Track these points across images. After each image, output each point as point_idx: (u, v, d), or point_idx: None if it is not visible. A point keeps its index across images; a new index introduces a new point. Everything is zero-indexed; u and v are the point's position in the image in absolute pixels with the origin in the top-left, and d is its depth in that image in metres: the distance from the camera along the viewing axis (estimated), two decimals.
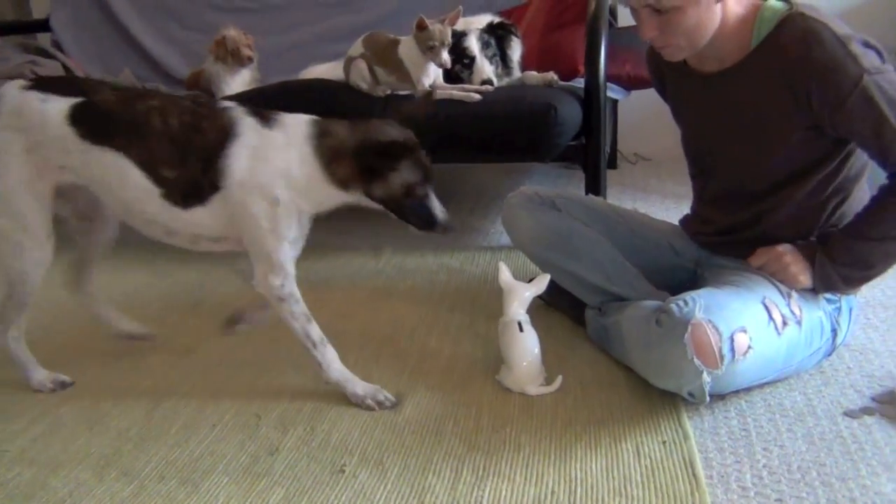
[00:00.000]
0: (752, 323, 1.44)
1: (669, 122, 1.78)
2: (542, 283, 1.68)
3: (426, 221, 1.50)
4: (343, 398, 1.59)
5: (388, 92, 2.43)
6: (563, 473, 1.34)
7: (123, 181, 1.47)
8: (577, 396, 1.59)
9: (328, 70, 2.64)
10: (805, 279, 1.54)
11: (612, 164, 3.53)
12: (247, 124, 1.46)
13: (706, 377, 1.40)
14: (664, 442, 1.41)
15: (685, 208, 1.90)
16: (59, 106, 1.48)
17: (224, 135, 1.45)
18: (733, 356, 1.41)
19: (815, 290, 1.55)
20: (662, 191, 3.18)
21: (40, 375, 1.69)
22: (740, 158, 1.59)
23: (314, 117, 1.49)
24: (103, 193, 1.53)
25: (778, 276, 1.55)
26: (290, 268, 1.49)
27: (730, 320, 1.42)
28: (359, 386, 1.56)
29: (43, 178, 1.51)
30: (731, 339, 1.40)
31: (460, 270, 2.35)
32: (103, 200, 1.56)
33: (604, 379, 1.66)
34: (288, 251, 1.48)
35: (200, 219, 1.47)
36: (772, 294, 1.51)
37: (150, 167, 1.46)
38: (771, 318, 1.47)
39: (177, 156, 1.45)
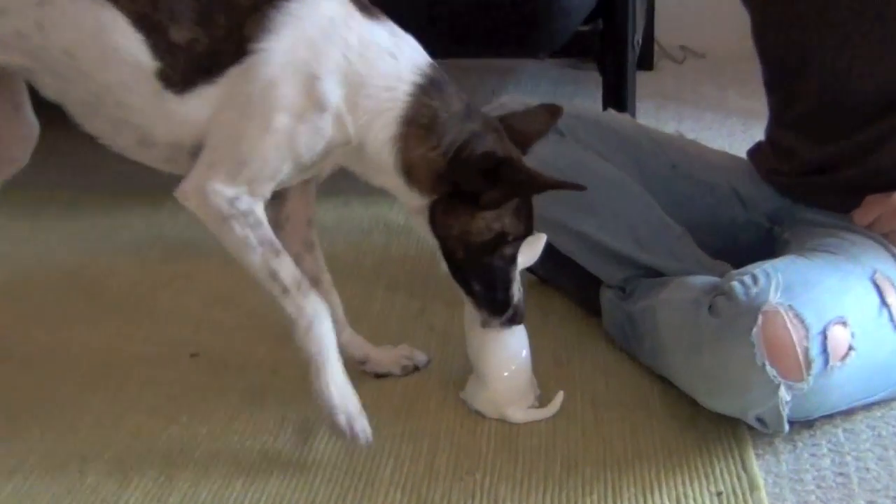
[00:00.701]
0: (855, 310, 1.46)
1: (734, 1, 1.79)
2: (534, 248, 1.67)
3: (495, 299, 1.52)
4: (236, 424, 1.58)
5: None
6: None
7: (104, 52, 1.43)
8: (586, 424, 1.60)
9: None
10: None
11: (647, 62, 3.54)
12: None
13: (784, 394, 1.42)
14: (720, 494, 1.43)
15: (758, 133, 1.91)
16: None
17: None
18: (826, 362, 1.42)
19: None
20: (724, 105, 3.20)
21: None
22: (844, 57, 1.59)
23: (434, 62, 1.48)
24: (63, 75, 1.48)
25: None
26: (262, 191, 1.45)
27: (822, 307, 1.44)
28: (341, 386, 1.49)
29: None
30: (824, 336, 1.42)
31: (406, 229, 2.34)
32: (57, 89, 1.51)
33: (628, 396, 1.67)
34: (279, 173, 1.45)
35: (196, 110, 1.44)
36: (886, 266, 1.54)
37: (151, 26, 1.42)
38: (884, 302, 1.49)
39: (198, 7, 1.42)
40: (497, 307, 1.54)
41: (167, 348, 1.85)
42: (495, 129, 1.48)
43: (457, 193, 1.46)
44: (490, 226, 1.48)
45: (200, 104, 1.44)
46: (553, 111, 1.55)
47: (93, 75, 1.46)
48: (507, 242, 1.49)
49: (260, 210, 1.45)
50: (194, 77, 1.43)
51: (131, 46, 1.43)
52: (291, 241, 1.66)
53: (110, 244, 2.33)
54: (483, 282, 1.52)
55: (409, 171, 1.46)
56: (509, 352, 1.61)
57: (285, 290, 1.46)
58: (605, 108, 2.54)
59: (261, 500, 1.44)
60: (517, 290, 1.54)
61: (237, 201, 1.43)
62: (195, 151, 1.47)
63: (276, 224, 1.65)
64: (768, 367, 1.40)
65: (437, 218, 1.49)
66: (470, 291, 1.54)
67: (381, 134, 1.45)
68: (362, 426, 1.48)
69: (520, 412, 1.60)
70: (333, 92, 1.41)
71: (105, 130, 1.52)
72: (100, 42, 1.44)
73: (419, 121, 1.44)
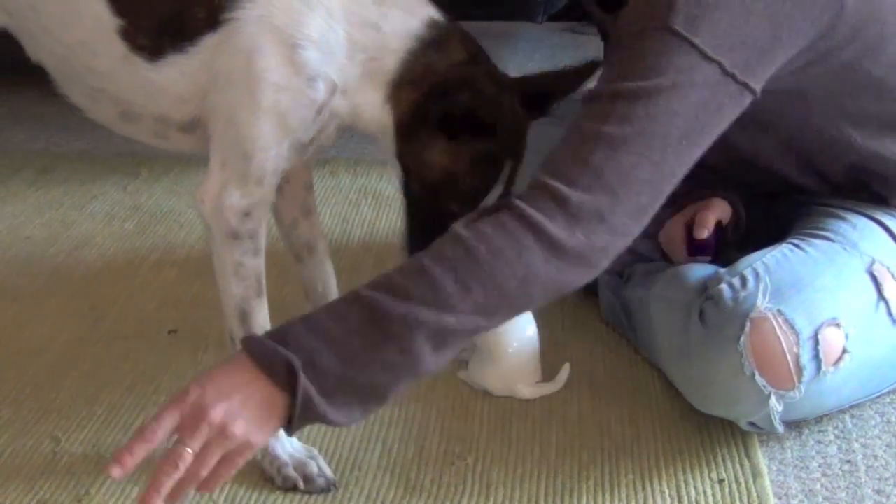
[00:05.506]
0: (850, 309, 1.46)
1: None
2: None
3: (416, 246, 1.44)
4: None
5: None
6: None
7: (59, 4, 1.43)
8: (583, 408, 1.61)
9: None
10: None
11: None
12: None
13: (775, 403, 1.43)
14: (722, 481, 1.44)
15: None
16: None
17: None
18: (819, 367, 1.43)
19: None
20: None
21: None
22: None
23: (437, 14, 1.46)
24: (33, 34, 1.48)
25: None
26: (271, 190, 1.45)
27: (814, 308, 1.44)
28: (283, 442, 1.48)
29: None
30: (815, 340, 1.42)
31: (395, 201, 2.33)
32: (34, 50, 1.51)
33: (627, 380, 1.68)
34: (281, 160, 1.43)
35: (173, 81, 1.43)
36: (886, 253, 1.53)
37: None
38: (881, 296, 1.49)
39: None
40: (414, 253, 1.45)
41: (144, 324, 1.86)
42: (497, 81, 1.44)
43: (423, 119, 1.41)
44: (442, 162, 1.43)
45: (177, 76, 1.42)
46: (581, 71, 1.46)
47: (57, 34, 1.46)
48: (456, 195, 1.44)
49: (263, 233, 1.44)
50: (161, 43, 1.42)
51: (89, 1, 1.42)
52: (290, 206, 1.65)
53: (84, 213, 2.32)
54: (418, 221, 1.47)
55: (400, 122, 1.43)
56: (515, 326, 1.61)
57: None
58: None
59: (242, 485, 1.44)
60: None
61: (247, 218, 1.42)
62: (186, 128, 1.47)
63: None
64: (757, 377, 1.41)
65: (399, 143, 1.44)
66: (406, 225, 1.49)
67: (372, 99, 1.43)
68: (317, 470, 1.45)
69: (528, 388, 1.62)
70: (317, 59, 1.39)
71: (84, 101, 1.52)
72: None
73: (411, 78, 1.41)
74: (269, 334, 1.23)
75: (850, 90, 1.50)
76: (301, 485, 1.43)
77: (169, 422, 1.18)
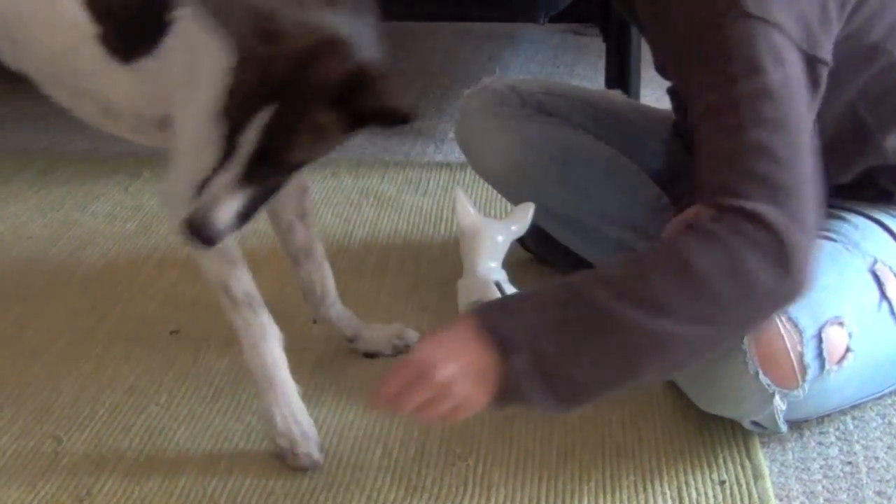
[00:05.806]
0: (853, 308, 1.46)
1: None
2: (523, 218, 1.67)
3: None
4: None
5: None
6: None
7: (47, 14, 1.47)
8: (584, 409, 1.59)
9: None
10: None
11: None
12: None
13: (779, 402, 1.43)
14: (723, 482, 1.44)
15: None
16: None
17: None
18: (822, 366, 1.43)
19: None
20: None
21: None
22: None
23: None
24: (20, 40, 1.51)
25: None
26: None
27: (817, 308, 1.43)
28: (286, 415, 1.48)
29: None
30: (819, 339, 1.43)
31: (396, 201, 2.35)
32: (15, 57, 1.54)
33: None
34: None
35: (144, 82, 1.46)
36: (888, 253, 1.53)
37: None
38: (884, 295, 1.49)
39: None
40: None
41: (146, 325, 1.86)
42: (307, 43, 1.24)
43: None
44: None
45: (146, 77, 1.46)
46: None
47: (40, 39, 1.50)
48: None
49: None
50: (133, 45, 1.45)
51: (69, 6, 1.46)
52: (284, 209, 1.65)
53: (86, 214, 2.32)
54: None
55: None
56: None
57: (234, 304, 1.48)
58: (607, 75, 2.54)
59: (243, 485, 1.45)
60: (222, 182, 1.23)
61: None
62: (161, 125, 1.49)
63: None
64: (761, 375, 1.41)
65: None
66: None
67: None
68: (307, 450, 1.47)
69: None
70: None
71: (70, 101, 1.56)
72: (46, 4, 1.48)
73: None
74: (498, 305, 1.32)
75: (874, 72, 1.51)
76: (288, 457, 1.47)
77: (402, 376, 1.25)
